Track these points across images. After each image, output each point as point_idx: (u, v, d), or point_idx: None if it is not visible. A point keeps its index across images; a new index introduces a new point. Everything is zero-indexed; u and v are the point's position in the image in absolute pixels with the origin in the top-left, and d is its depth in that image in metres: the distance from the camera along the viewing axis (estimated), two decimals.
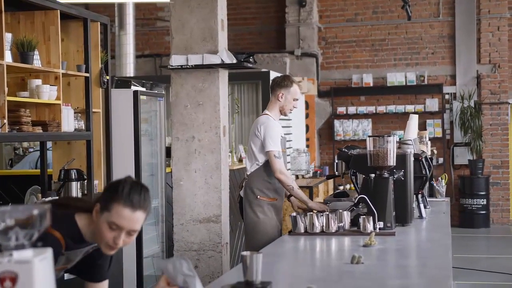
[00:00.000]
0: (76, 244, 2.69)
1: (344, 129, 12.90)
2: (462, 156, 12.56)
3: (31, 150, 8.26)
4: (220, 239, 5.76)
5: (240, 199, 5.39)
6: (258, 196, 5.17)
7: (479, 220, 12.24)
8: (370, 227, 4.20)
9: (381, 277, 3.11)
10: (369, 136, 4.49)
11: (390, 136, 4.45)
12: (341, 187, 11.86)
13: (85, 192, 5.65)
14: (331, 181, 11.20)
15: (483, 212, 12.26)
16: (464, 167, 12.64)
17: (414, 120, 5.57)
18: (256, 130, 5.17)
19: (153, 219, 6.85)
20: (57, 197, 5.00)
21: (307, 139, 12.34)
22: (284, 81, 5.30)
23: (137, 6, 12.69)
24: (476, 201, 12.22)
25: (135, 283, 6.29)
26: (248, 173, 5.28)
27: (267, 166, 5.15)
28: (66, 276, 4.52)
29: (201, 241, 5.76)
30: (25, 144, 8.68)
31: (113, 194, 2.59)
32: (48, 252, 1.81)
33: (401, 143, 5.17)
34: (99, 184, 5.87)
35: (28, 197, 5.83)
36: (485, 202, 12.25)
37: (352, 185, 11.82)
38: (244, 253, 2.74)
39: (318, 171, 11.18)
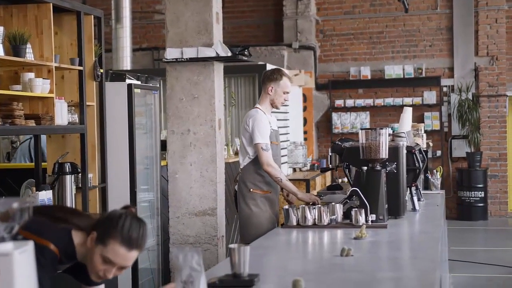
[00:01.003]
0: (68, 260, 2.69)
1: (342, 122, 12.90)
2: (460, 149, 12.56)
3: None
4: (216, 232, 5.77)
5: (235, 193, 5.40)
6: (251, 189, 5.19)
7: (477, 212, 12.25)
8: (362, 219, 4.21)
9: (370, 270, 3.11)
10: (361, 129, 4.49)
11: (382, 129, 4.44)
12: (339, 180, 11.87)
13: (79, 185, 5.65)
14: (328, 174, 11.21)
15: (481, 204, 12.27)
16: (462, 160, 12.64)
17: (408, 113, 5.57)
18: (246, 124, 5.20)
19: (148, 212, 6.85)
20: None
21: (305, 132, 12.34)
22: (274, 75, 5.29)
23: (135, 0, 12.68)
24: (474, 193, 12.23)
25: (130, 277, 6.29)
26: (241, 167, 5.31)
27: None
28: None
29: (196, 234, 5.77)
30: (22, 138, 8.67)
31: (111, 229, 2.57)
32: (29, 245, 1.81)
33: (395, 135, 5.17)
34: (93, 178, 5.87)
35: (24, 191, 5.83)
36: (483, 195, 12.25)
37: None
38: (232, 246, 2.76)
39: (316, 164, 11.18)
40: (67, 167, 5.49)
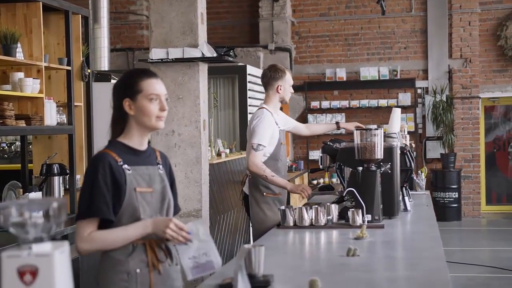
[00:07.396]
0: (131, 157, 2.89)
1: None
2: (434, 150, 12.69)
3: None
4: None
5: (243, 196, 5.30)
6: (265, 193, 5.12)
7: (451, 213, 12.39)
8: (359, 220, 4.22)
9: (379, 269, 3.12)
10: (356, 129, 4.49)
11: (377, 129, 4.46)
12: (321, 181, 11.93)
13: (67, 187, 5.58)
14: (306, 175, 11.25)
15: (455, 205, 12.41)
16: (436, 161, 12.77)
17: (397, 114, 5.60)
18: (251, 125, 5.14)
19: None
20: None
21: None
22: (278, 73, 5.29)
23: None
24: (448, 194, 12.37)
25: None
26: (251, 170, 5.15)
27: (271, 161, 5.10)
28: None
29: None
30: (10, 138, 8.51)
31: (133, 82, 2.90)
32: (66, 246, 1.78)
33: (386, 136, 5.19)
34: (81, 179, 5.80)
35: (6, 193, 5.74)
36: (456, 196, 12.40)
37: (329, 179, 11.87)
38: (247, 246, 2.74)
39: (294, 165, 11.21)
40: (56, 168, 5.42)
